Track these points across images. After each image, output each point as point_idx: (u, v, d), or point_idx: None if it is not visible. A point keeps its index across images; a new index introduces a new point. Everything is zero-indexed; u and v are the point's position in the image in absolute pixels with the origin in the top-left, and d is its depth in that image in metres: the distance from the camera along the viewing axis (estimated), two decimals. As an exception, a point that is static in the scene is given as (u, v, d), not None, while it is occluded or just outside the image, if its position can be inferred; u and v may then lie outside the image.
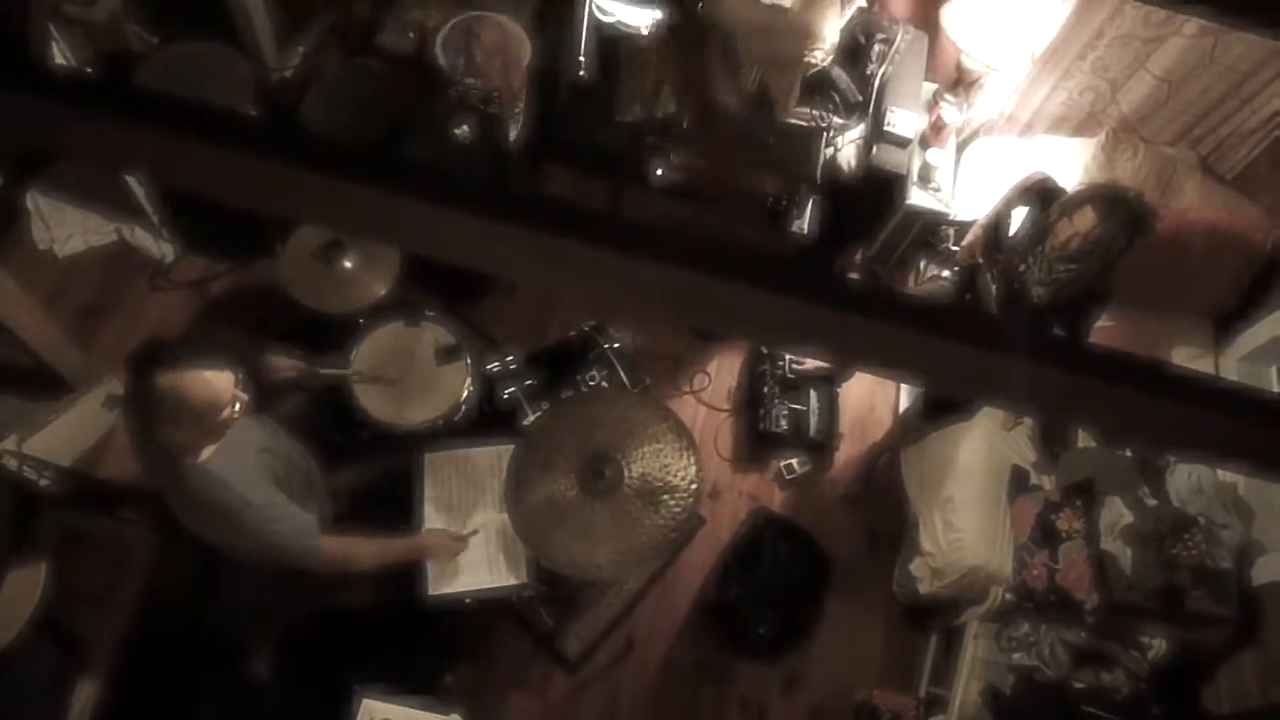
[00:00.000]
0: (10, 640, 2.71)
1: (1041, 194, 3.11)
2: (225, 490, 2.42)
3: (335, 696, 2.78)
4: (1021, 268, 3.05)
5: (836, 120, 3.93)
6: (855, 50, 3.95)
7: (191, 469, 2.39)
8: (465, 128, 3.53)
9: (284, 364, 2.89)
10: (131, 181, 3.75)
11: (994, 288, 3.19)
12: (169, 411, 2.28)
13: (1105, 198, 2.86)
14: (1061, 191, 3.08)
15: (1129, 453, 3.58)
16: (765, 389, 4.07)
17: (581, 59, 3.52)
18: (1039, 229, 2.99)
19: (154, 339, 2.62)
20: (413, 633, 3.25)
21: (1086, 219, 2.82)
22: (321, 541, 2.60)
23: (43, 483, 3.27)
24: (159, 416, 2.29)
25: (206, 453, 2.41)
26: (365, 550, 2.75)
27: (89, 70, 3.65)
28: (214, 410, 2.34)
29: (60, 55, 3.57)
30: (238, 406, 2.40)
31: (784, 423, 4.02)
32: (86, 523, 3.19)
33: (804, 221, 3.81)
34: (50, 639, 2.94)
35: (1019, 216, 3.17)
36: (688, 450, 2.75)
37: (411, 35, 3.92)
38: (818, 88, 3.93)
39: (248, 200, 0.82)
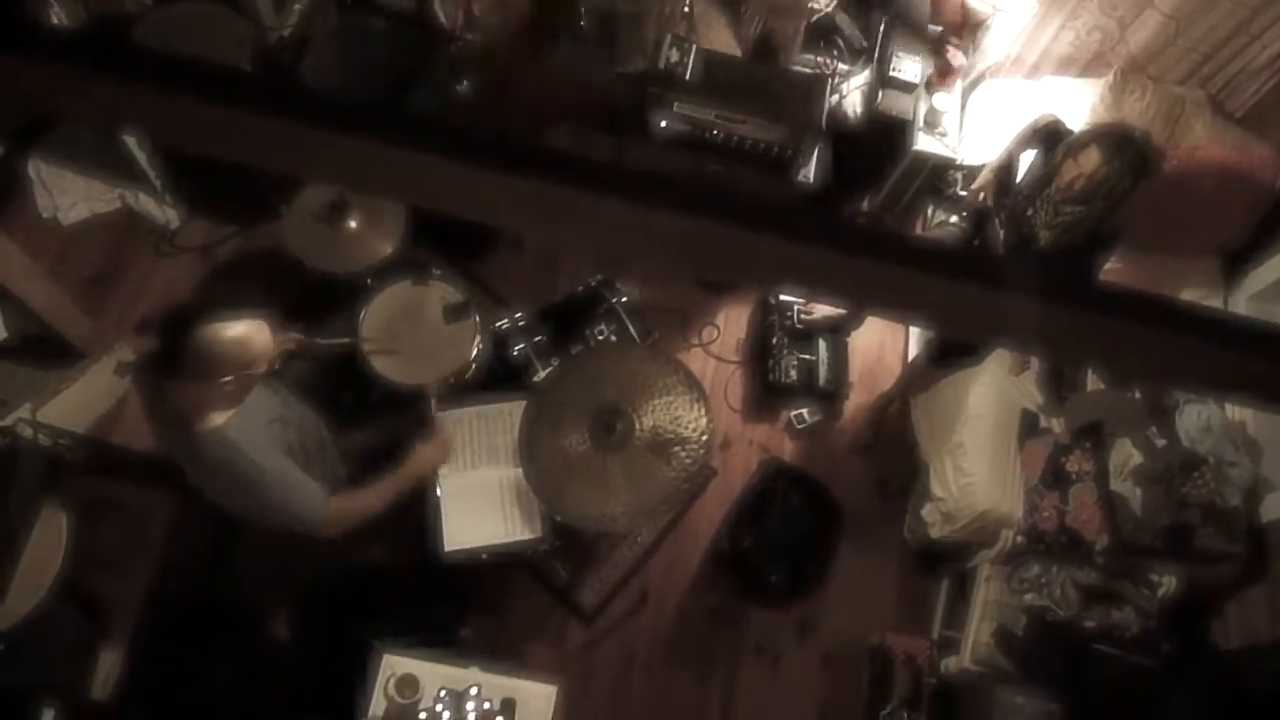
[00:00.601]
0: (33, 606, 2.74)
1: (1049, 137, 3.08)
2: (239, 455, 2.43)
3: (355, 653, 2.82)
4: (1029, 211, 3.03)
5: (841, 66, 3.88)
6: (859, -6, 3.89)
7: (206, 434, 2.40)
8: (466, 83, 3.50)
9: (280, 339, 2.89)
10: (133, 146, 3.73)
11: (1001, 232, 3.17)
12: (228, 363, 2.30)
13: (1111, 136, 2.83)
14: (1070, 134, 3.05)
15: (1137, 394, 3.59)
16: (774, 340, 4.07)
17: (582, 9, 3.48)
18: (1046, 170, 2.96)
19: (176, 304, 2.61)
20: (430, 588, 3.29)
21: (1091, 159, 2.80)
22: (330, 509, 2.60)
23: (58, 450, 3.29)
24: (193, 372, 2.30)
25: (221, 418, 2.42)
26: (370, 500, 2.72)
27: (84, 30, 3.62)
28: (252, 362, 2.36)
29: (55, 18, 3.54)
30: (275, 362, 2.44)
31: (793, 373, 4.03)
32: (104, 489, 3.22)
33: (810, 169, 3.78)
34: (72, 604, 2.97)
35: (1026, 160, 3.15)
36: (698, 402, 2.76)
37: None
38: (822, 34, 3.88)
39: (250, 158, 0.82)
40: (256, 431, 2.51)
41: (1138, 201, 2.90)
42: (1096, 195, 2.82)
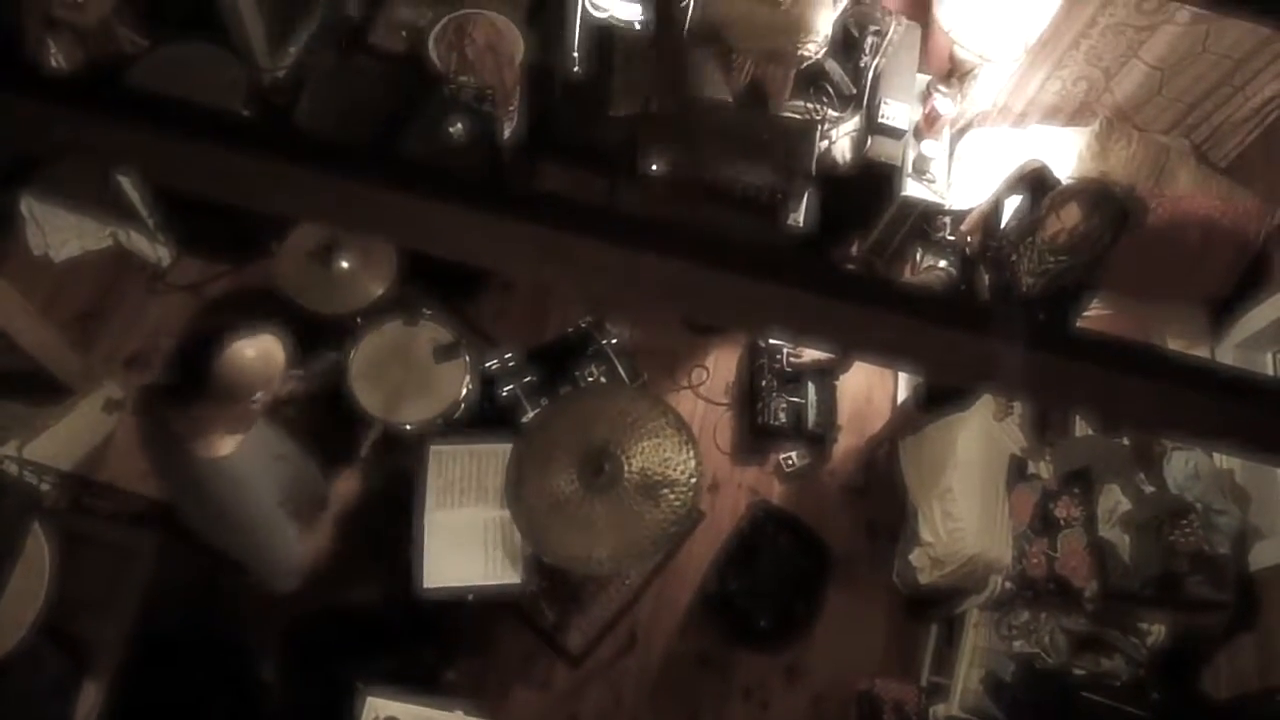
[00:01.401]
0: (13, 646, 2.70)
1: (1034, 184, 3.12)
2: (235, 488, 2.41)
3: (339, 694, 2.79)
4: (1013, 257, 3.07)
5: (831, 113, 3.93)
6: (848, 43, 3.95)
7: (207, 463, 2.39)
8: (459, 125, 3.52)
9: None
10: (126, 185, 3.74)
11: (986, 277, 3.20)
12: (257, 380, 2.31)
13: (1090, 193, 2.88)
14: (1056, 181, 3.09)
15: (1125, 440, 3.60)
16: (763, 382, 4.08)
17: (575, 54, 3.52)
18: (1031, 220, 3.00)
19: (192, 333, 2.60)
20: (415, 629, 3.26)
21: (1073, 215, 2.85)
22: (295, 570, 2.58)
23: (44, 487, 3.27)
24: (219, 394, 2.30)
25: (228, 446, 2.41)
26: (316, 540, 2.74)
27: (81, 73, 3.65)
28: (269, 382, 2.37)
29: (52, 59, 3.56)
30: (287, 384, 2.45)
31: (782, 415, 4.03)
32: (88, 527, 3.19)
33: (800, 214, 3.81)
34: (54, 644, 2.93)
35: (1011, 206, 3.18)
36: (687, 444, 2.76)
37: (403, 34, 3.93)
38: (811, 81, 3.93)
39: (243, 198, 0.82)
40: (260, 465, 2.50)
41: (1123, 250, 2.93)
42: (1079, 248, 2.86)
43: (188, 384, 2.32)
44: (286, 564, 2.55)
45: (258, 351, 2.34)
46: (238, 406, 2.35)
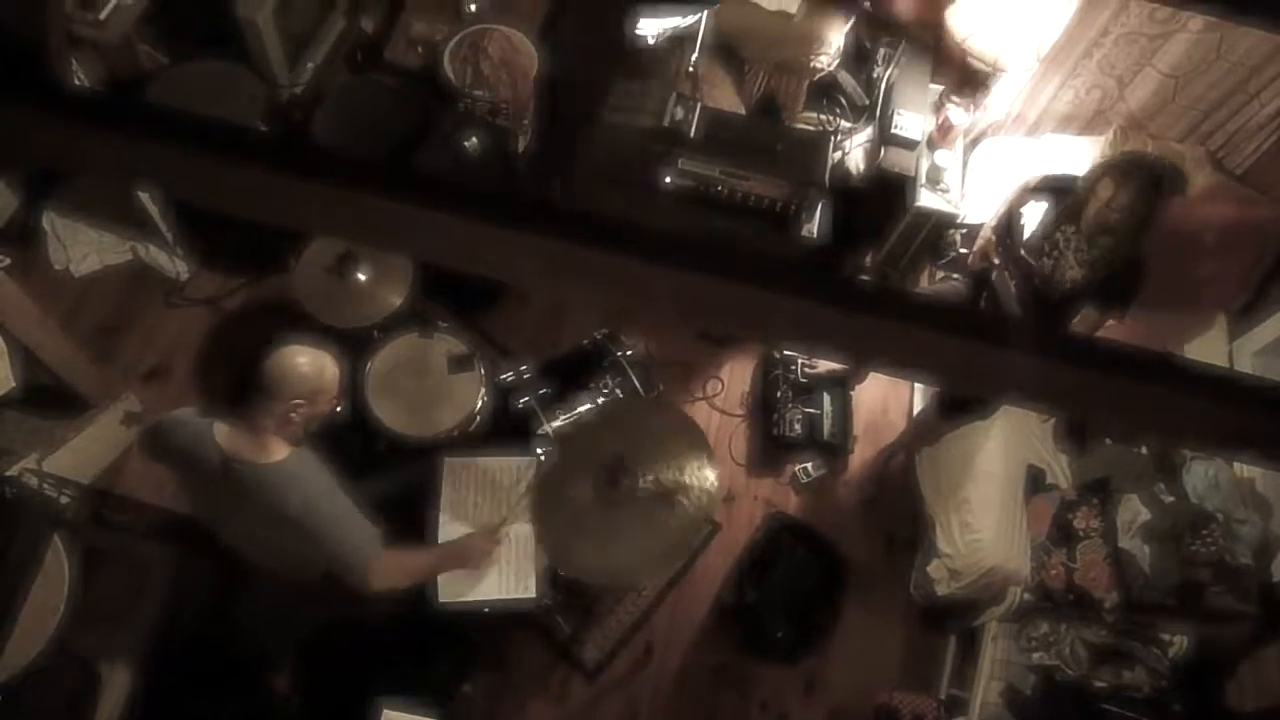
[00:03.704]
0: (32, 659, 2.72)
1: (1056, 187, 3.13)
2: (299, 489, 2.43)
3: (355, 708, 2.79)
4: (1048, 261, 3.07)
5: (844, 124, 3.93)
6: (861, 54, 3.96)
7: (265, 468, 2.41)
8: (474, 140, 3.55)
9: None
10: (145, 200, 3.78)
11: (1012, 286, 3.20)
12: (304, 384, 2.37)
13: (1119, 164, 2.94)
14: (1071, 179, 3.10)
15: (1144, 450, 3.57)
16: (778, 393, 4.07)
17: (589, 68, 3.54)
18: (1067, 211, 3.01)
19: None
20: (430, 642, 3.25)
21: (1108, 188, 2.88)
22: (385, 559, 2.55)
23: (63, 501, 3.29)
24: (260, 389, 2.36)
25: (282, 453, 2.44)
26: (420, 563, 2.73)
27: (102, 89, 3.69)
28: (314, 394, 2.42)
29: (74, 76, 3.61)
30: (339, 401, 2.51)
31: (798, 427, 4.02)
32: (106, 540, 3.21)
33: (814, 225, 3.81)
34: (71, 658, 2.95)
35: (1032, 215, 3.18)
36: (702, 450, 2.76)
37: (419, 49, 3.96)
38: (824, 92, 3.94)
39: (261, 214, 0.83)
40: (316, 467, 2.52)
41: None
42: (1124, 222, 2.88)
43: (237, 393, 2.38)
44: (367, 557, 2.51)
45: (310, 360, 2.40)
46: (279, 407, 2.37)
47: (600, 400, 3.28)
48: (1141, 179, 2.86)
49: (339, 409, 2.57)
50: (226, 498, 2.50)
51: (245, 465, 2.41)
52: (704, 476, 2.75)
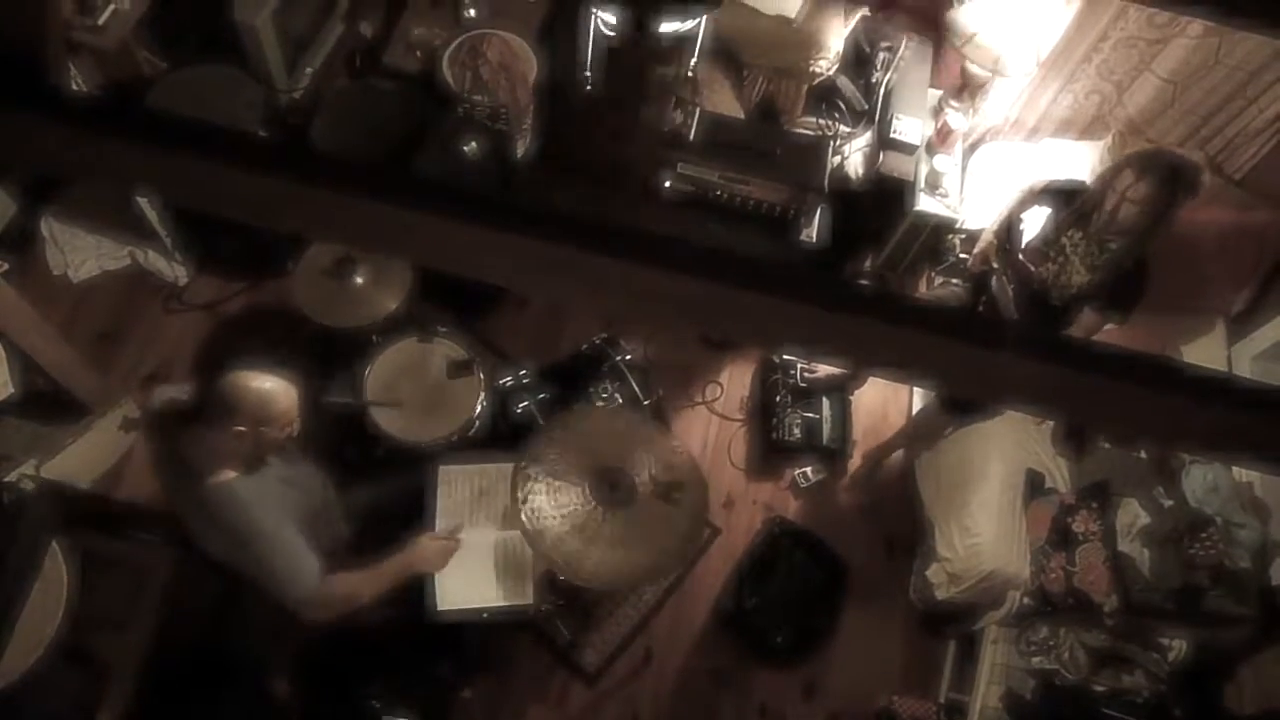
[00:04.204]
0: (31, 665, 2.71)
1: (1059, 193, 3.12)
2: (241, 512, 2.42)
3: (355, 713, 2.78)
4: (1052, 266, 3.06)
5: (843, 129, 3.94)
6: (860, 59, 3.96)
7: (213, 487, 2.40)
8: (473, 144, 3.55)
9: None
10: (144, 205, 3.78)
11: (1010, 291, 3.19)
12: (245, 411, 2.33)
13: (1139, 156, 2.93)
14: (1076, 185, 3.10)
15: (1143, 454, 3.57)
16: (777, 398, 4.07)
17: (588, 73, 3.54)
18: (1079, 212, 3.00)
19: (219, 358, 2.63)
20: (430, 647, 3.25)
21: (1126, 179, 2.86)
22: (321, 591, 2.50)
23: (61, 506, 3.28)
24: (210, 413, 2.33)
25: (229, 475, 2.43)
26: (361, 587, 2.62)
27: (100, 95, 3.69)
28: (281, 421, 2.40)
29: (72, 81, 3.61)
30: (294, 429, 2.45)
31: (797, 431, 4.02)
32: (105, 545, 3.20)
33: (813, 230, 3.81)
34: (71, 663, 2.94)
35: (1032, 220, 3.18)
36: (668, 436, 2.80)
37: (418, 54, 3.96)
38: (823, 97, 3.94)
39: (260, 219, 0.83)
40: (266, 492, 2.50)
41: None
42: (1143, 216, 2.86)
43: (192, 408, 2.35)
44: (308, 591, 2.48)
45: (260, 390, 2.36)
46: (224, 430, 2.35)
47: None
48: (1162, 171, 2.85)
49: (293, 435, 2.51)
50: (185, 501, 2.52)
51: (196, 478, 2.41)
52: (682, 457, 2.80)
